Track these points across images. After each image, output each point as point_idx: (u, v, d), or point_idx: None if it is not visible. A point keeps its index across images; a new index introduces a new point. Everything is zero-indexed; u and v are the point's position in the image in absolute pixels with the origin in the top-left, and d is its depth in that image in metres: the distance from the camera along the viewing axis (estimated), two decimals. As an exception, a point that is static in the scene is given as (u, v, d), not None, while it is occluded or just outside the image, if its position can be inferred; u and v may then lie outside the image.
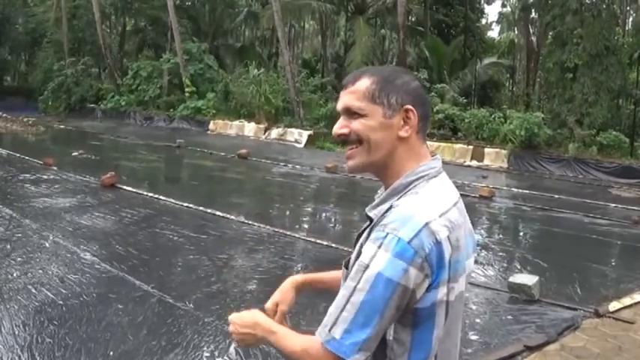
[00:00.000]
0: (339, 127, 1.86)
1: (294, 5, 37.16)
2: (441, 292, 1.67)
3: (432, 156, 1.87)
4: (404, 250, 1.59)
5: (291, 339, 1.78)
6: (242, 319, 1.93)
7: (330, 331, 1.63)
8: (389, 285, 1.59)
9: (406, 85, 1.83)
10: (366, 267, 1.62)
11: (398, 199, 1.75)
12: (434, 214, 1.66)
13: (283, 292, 2.24)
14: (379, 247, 1.62)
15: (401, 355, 1.71)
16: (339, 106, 1.87)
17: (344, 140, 1.86)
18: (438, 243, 1.62)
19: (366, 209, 1.83)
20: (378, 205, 1.80)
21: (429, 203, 1.69)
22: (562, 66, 26.10)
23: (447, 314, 1.71)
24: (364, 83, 1.83)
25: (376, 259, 1.61)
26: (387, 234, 1.62)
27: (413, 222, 1.62)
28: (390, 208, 1.72)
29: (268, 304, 2.20)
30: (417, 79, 1.90)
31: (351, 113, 1.84)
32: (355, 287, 1.62)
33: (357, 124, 1.82)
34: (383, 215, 1.72)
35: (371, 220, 1.77)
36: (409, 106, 1.79)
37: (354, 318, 1.60)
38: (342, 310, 1.63)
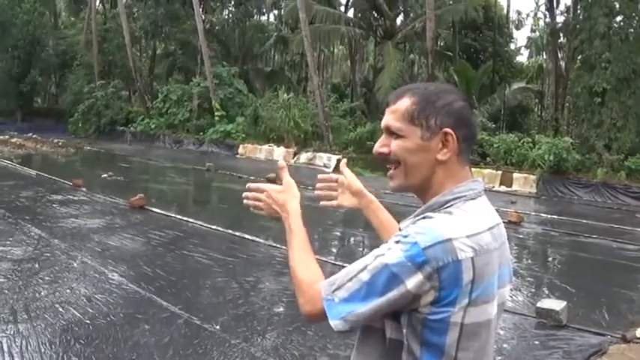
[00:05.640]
0: (380, 146, 1.88)
1: (323, 30, 37.30)
2: (455, 313, 1.64)
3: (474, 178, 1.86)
4: (416, 254, 1.61)
5: (304, 259, 1.91)
6: (278, 199, 2.14)
7: (334, 291, 1.71)
8: (392, 279, 1.62)
9: (448, 107, 1.80)
10: (382, 255, 1.66)
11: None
12: (461, 233, 1.65)
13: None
14: (397, 242, 1.66)
15: None
16: (382, 123, 1.88)
17: (384, 159, 1.88)
18: (456, 261, 1.61)
19: (400, 223, 1.85)
20: (410, 219, 1.81)
21: (459, 223, 1.69)
22: (590, 90, 25.90)
23: (461, 337, 1.67)
24: (404, 103, 1.83)
25: (391, 251, 1.65)
26: (409, 235, 1.65)
27: (436, 233, 1.63)
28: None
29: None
30: (463, 98, 1.85)
31: (391, 132, 1.85)
32: (366, 266, 1.68)
33: (395, 145, 1.83)
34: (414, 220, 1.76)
35: None
36: (448, 129, 1.77)
37: (356, 292, 1.67)
38: (350, 280, 1.69)
